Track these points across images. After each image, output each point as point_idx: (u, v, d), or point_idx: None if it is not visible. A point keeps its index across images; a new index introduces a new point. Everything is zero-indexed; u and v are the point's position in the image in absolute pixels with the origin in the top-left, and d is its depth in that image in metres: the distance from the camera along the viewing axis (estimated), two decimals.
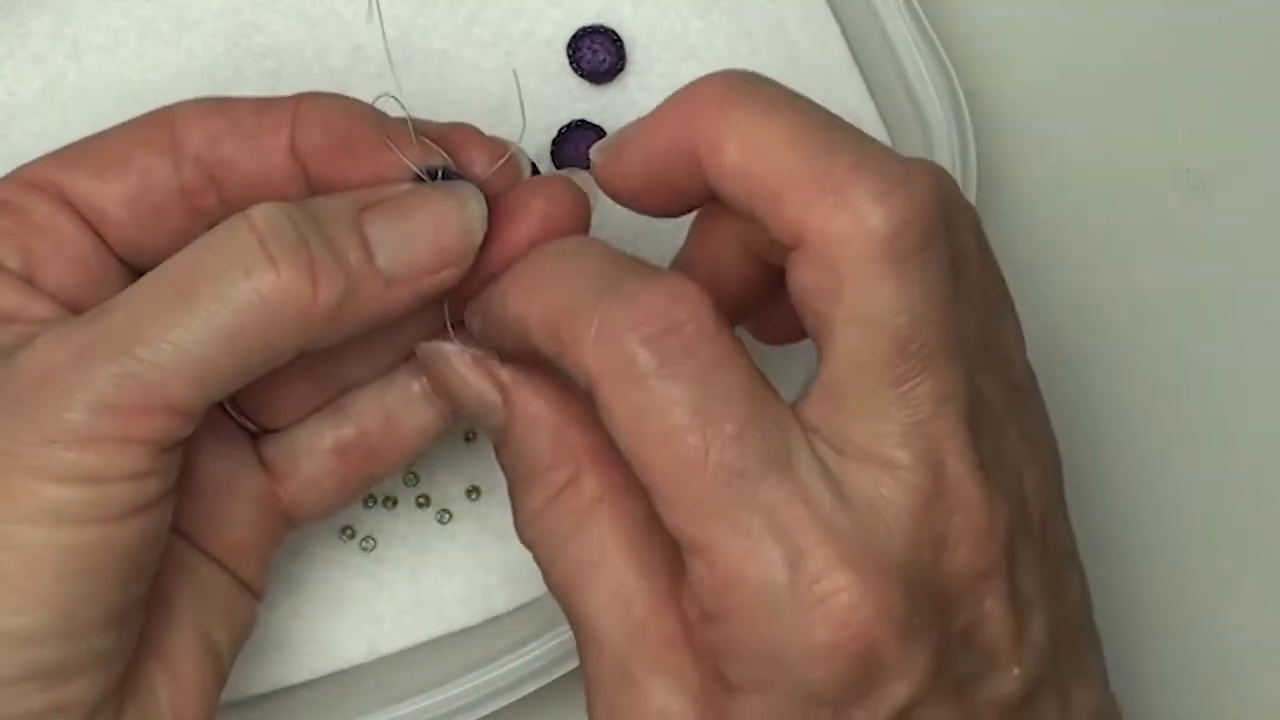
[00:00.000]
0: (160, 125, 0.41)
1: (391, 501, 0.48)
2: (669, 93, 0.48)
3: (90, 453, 0.36)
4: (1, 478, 0.36)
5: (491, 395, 0.40)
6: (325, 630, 0.48)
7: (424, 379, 0.43)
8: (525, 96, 0.49)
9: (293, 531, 0.45)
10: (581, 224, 0.41)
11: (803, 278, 0.36)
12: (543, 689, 0.46)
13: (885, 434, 0.35)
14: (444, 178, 0.40)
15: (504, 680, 0.45)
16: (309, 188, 0.41)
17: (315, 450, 0.44)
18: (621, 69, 0.49)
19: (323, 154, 0.41)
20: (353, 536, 0.48)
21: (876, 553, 0.35)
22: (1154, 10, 0.53)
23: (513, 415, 0.40)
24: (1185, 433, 0.52)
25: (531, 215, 0.41)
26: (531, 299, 0.38)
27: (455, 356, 0.41)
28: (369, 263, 0.38)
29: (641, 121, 0.40)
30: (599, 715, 0.38)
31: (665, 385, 0.35)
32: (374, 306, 0.39)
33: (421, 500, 0.48)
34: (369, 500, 0.48)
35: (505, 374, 0.40)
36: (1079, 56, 0.52)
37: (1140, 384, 0.52)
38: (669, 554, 0.37)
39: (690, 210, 0.40)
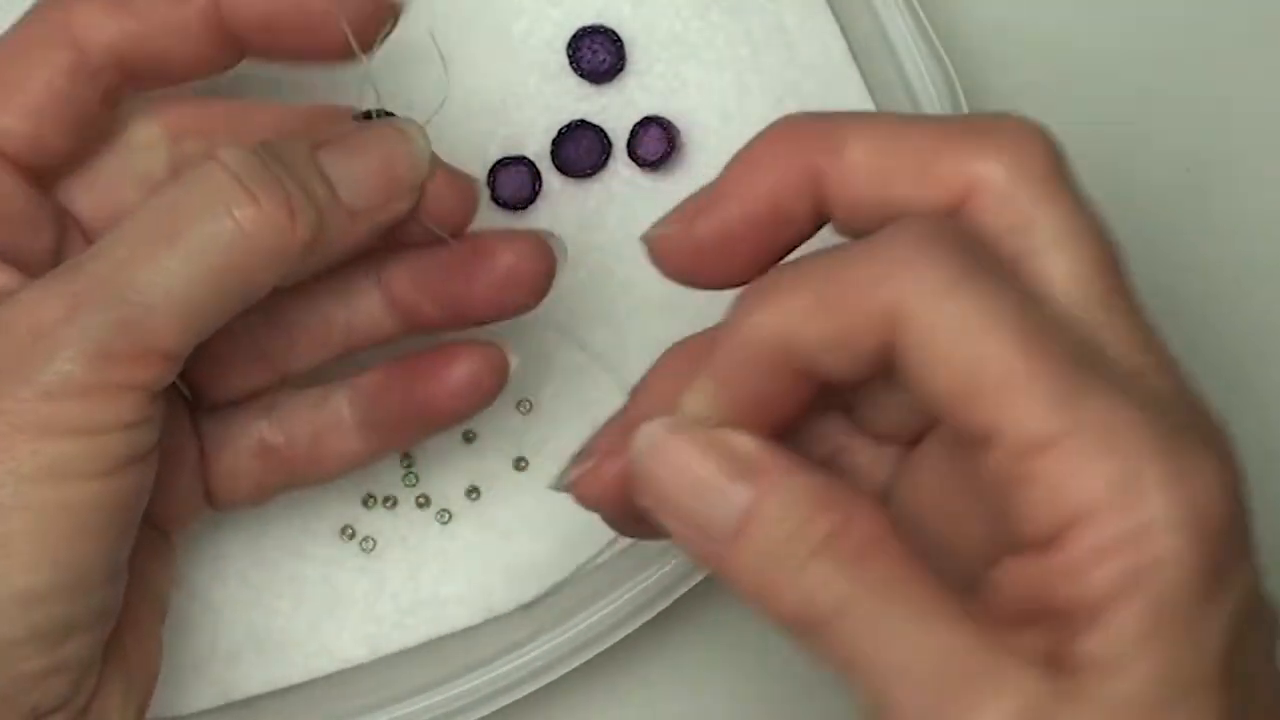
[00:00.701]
0: (61, 37, 0.40)
1: (391, 501, 0.48)
2: (669, 93, 0.49)
3: (90, 403, 0.37)
4: (3, 439, 0.37)
5: (727, 486, 0.34)
6: (325, 630, 0.48)
7: (356, 405, 0.44)
8: (525, 96, 0.49)
9: (208, 516, 0.45)
10: (546, 282, 0.43)
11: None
12: (542, 689, 0.46)
13: None
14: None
15: (504, 680, 0.45)
16: (226, 62, 0.42)
17: (241, 444, 0.44)
18: (621, 69, 0.49)
19: (258, 28, 0.41)
20: (353, 537, 0.48)
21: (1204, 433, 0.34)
22: (1154, 11, 0.53)
23: (766, 491, 0.34)
24: None
25: (496, 269, 0.42)
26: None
27: (681, 441, 0.35)
28: (334, 196, 0.40)
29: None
30: None
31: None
32: (342, 238, 0.40)
33: (421, 500, 0.48)
34: (369, 500, 0.48)
35: (748, 444, 0.34)
36: (1078, 56, 0.52)
37: None
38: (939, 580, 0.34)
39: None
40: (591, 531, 0.48)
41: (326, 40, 0.41)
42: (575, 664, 0.46)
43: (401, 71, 0.48)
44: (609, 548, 0.48)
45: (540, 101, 0.49)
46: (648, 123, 0.49)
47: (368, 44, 0.41)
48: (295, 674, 0.47)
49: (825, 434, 0.39)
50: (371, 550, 0.48)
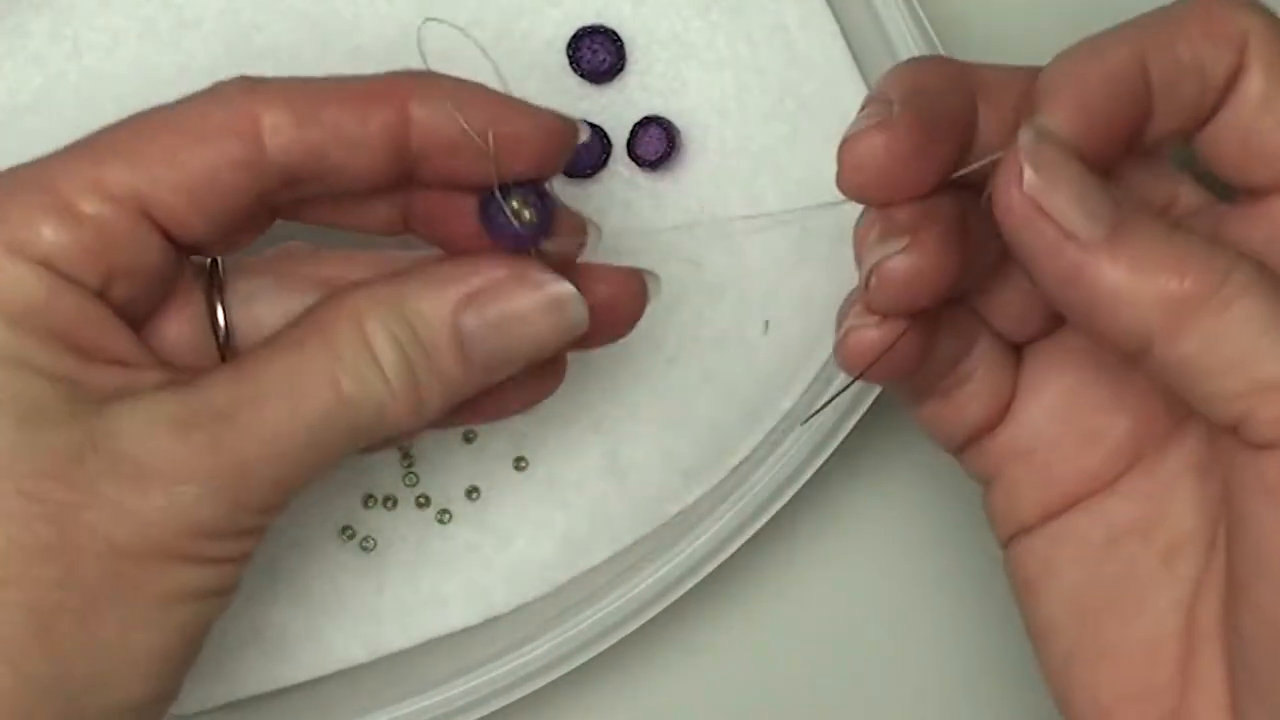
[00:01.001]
0: (242, 137, 0.38)
1: (391, 501, 0.48)
2: (669, 93, 0.49)
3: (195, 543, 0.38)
4: (134, 561, 0.37)
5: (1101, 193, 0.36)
6: (325, 630, 0.48)
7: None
8: (526, 95, 0.49)
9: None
10: (636, 318, 0.43)
11: None
12: (541, 689, 0.46)
13: None
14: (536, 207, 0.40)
15: (504, 680, 0.45)
16: (390, 184, 0.40)
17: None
18: (621, 69, 0.49)
19: (444, 150, 0.40)
20: (352, 537, 0.48)
21: None
22: None
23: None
24: None
25: (594, 298, 0.41)
26: None
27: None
28: (467, 370, 0.39)
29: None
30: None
31: None
32: (461, 397, 0.40)
33: (421, 500, 0.48)
34: (369, 500, 0.48)
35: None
36: None
37: None
38: None
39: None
40: (592, 533, 0.48)
41: (510, 164, 0.40)
42: (574, 665, 0.46)
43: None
44: (609, 548, 0.48)
45: (540, 101, 0.48)
46: (647, 122, 0.49)
47: (554, 169, 0.41)
48: (296, 674, 0.47)
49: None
50: (372, 550, 0.48)
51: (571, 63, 0.49)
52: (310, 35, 0.49)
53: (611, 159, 0.49)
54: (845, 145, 0.38)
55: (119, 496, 0.36)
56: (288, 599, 0.48)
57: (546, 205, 0.40)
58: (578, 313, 0.40)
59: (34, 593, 0.36)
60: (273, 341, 0.39)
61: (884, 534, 0.51)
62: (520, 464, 0.48)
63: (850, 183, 0.38)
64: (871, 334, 0.38)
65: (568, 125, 0.41)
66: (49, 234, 0.37)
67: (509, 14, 0.49)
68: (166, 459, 0.37)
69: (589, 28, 0.49)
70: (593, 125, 0.48)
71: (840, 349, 0.39)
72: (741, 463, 0.48)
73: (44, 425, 0.36)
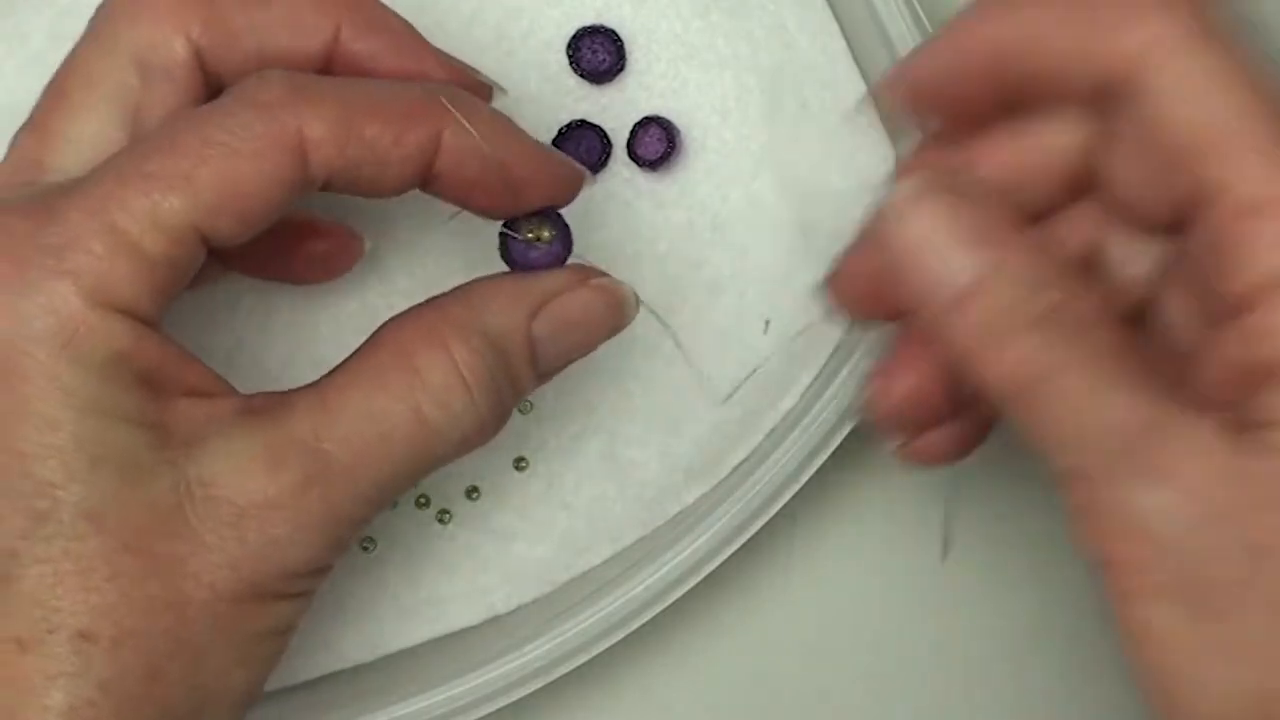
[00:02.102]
0: (291, 156, 0.38)
1: (391, 502, 0.48)
2: (669, 93, 0.49)
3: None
4: (233, 604, 0.38)
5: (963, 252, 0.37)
6: (326, 630, 0.48)
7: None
8: (525, 96, 0.49)
9: None
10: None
11: None
12: (543, 688, 0.46)
13: None
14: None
15: (504, 680, 0.45)
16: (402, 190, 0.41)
17: None
18: (621, 69, 0.49)
19: (464, 184, 0.40)
20: None
21: None
22: None
23: (998, 262, 0.36)
24: None
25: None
26: None
27: (928, 204, 0.37)
28: (536, 376, 0.41)
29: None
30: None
31: None
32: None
33: (421, 500, 0.48)
34: None
35: (990, 214, 0.37)
36: None
37: None
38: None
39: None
40: (592, 533, 0.48)
41: (520, 202, 0.41)
42: (575, 664, 0.46)
43: None
44: (609, 548, 0.48)
45: (540, 101, 0.49)
46: (648, 122, 0.49)
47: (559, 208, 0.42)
48: (297, 674, 0.47)
49: (1081, 225, 0.40)
50: (372, 551, 0.48)
51: (571, 63, 0.49)
52: None
53: (611, 159, 0.49)
54: (870, 391, 0.41)
55: (219, 543, 0.37)
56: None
57: (560, 220, 0.42)
58: (632, 307, 0.42)
59: (148, 645, 0.36)
60: (351, 368, 0.39)
61: (884, 534, 0.51)
62: (520, 464, 0.48)
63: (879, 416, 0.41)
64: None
65: (578, 175, 0.42)
66: (126, 283, 0.37)
67: (509, 14, 0.49)
68: (260, 500, 0.37)
69: (589, 28, 0.49)
70: (593, 125, 0.48)
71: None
72: (742, 462, 0.48)
73: (143, 478, 0.37)
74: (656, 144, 0.48)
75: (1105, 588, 0.35)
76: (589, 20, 0.49)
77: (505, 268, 0.42)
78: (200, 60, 0.40)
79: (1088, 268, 0.40)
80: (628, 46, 0.49)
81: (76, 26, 0.47)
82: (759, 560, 0.50)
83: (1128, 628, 0.35)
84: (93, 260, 0.36)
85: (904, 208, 0.36)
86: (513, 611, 0.48)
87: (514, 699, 0.45)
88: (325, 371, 0.40)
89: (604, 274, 0.42)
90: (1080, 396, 0.35)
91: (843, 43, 0.49)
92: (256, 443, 0.38)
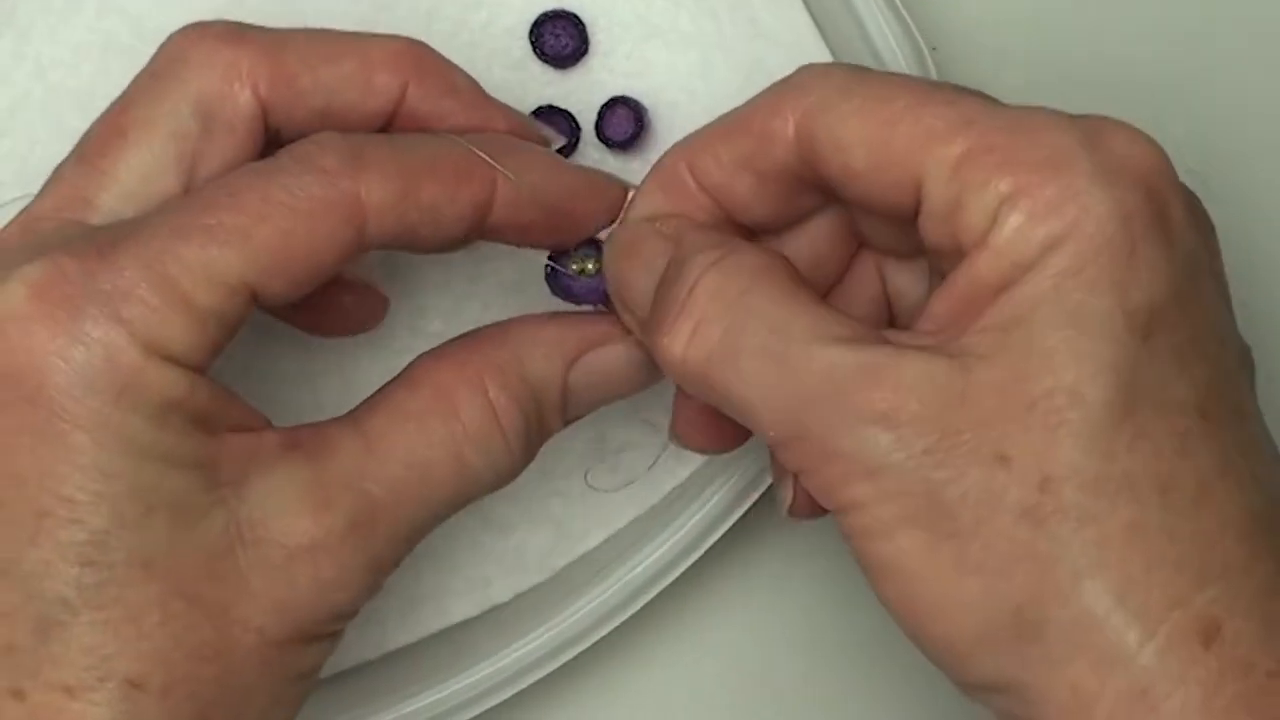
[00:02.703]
0: (349, 222, 0.38)
1: None
2: (634, 73, 0.49)
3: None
4: (279, 647, 0.38)
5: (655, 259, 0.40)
6: None
7: None
8: (490, 86, 0.49)
9: None
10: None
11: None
12: (548, 676, 0.46)
13: None
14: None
15: (508, 671, 0.46)
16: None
17: None
18: (585, 52, 0.49)
19: (528, 232, 0.41)
20: None
21: None
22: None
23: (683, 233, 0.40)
24: None
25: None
26: None
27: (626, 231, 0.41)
28: (564, 422, 0.42)
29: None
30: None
31: None
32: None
33: None
34: None
35: (675, 224, 0.40)
36: (1055, 29, 0.52)
37: None
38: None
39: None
40: (586, 517, 0.48)
41: (576, 234, 0.42)
42: (578, 650, 0.46)
43: None
44: (604, 531, 0.48)
45: (506, 90, 0.49)
46: (615, 103, 0.49)
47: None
48: None
49: (866, 270, 0.42)
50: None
51: (535, 49, 0.49)
52: None
53: (581, 142, 0.49)
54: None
55: (267, 587, 0.37)
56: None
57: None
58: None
59: (196, 691, 0.36)
60: (392, 406, 0.39)
61: None
62: None
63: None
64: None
65: (622, 189, 0.42)
66: (179, 335, 0.36)
67: (468, 5, 0.49)
68: (308, 542, 0.37)
69: (550, 13, 0.49)
70: (561, 110, 0.48)
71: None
72: None
73: (194, 522, 0.36)
74: (625, 124, 0.48)
75: (842, 531, 0.36)
76: (549, 5, 0.49)
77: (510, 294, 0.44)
78: (264, 114, 0.40)
79: (884, 307, 0.42)
80: (590, 29, 0.49)
81: (38, 45, 0.48)
82: (757, 534, 0.50)
83: (872, 563, 0.36)
84: (147, 311, 0.36)
85: (614, 245, 0.41)
86: (513, 600, 0.48)
87: (519, 688, 0.46)
88: (320, 399, 0.40)
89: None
90: (771, 360, 0.36)
91: (807, 15, 0.49)
92: (302, 482, 0.38)
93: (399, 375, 0.40)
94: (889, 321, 0.42)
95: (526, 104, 0.49)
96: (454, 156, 0.39)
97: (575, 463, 0.48)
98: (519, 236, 0.41)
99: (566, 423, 0.42)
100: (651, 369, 0.41)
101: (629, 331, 0.41)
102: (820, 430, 0.36)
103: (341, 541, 0.38)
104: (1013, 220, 0.35)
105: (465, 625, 0.48)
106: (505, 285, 0.48)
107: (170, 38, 0.40)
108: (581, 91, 0.49)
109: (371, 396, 0.40)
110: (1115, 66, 0.52)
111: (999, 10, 0.52)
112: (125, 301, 0.36)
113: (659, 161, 0.41)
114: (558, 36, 0.49)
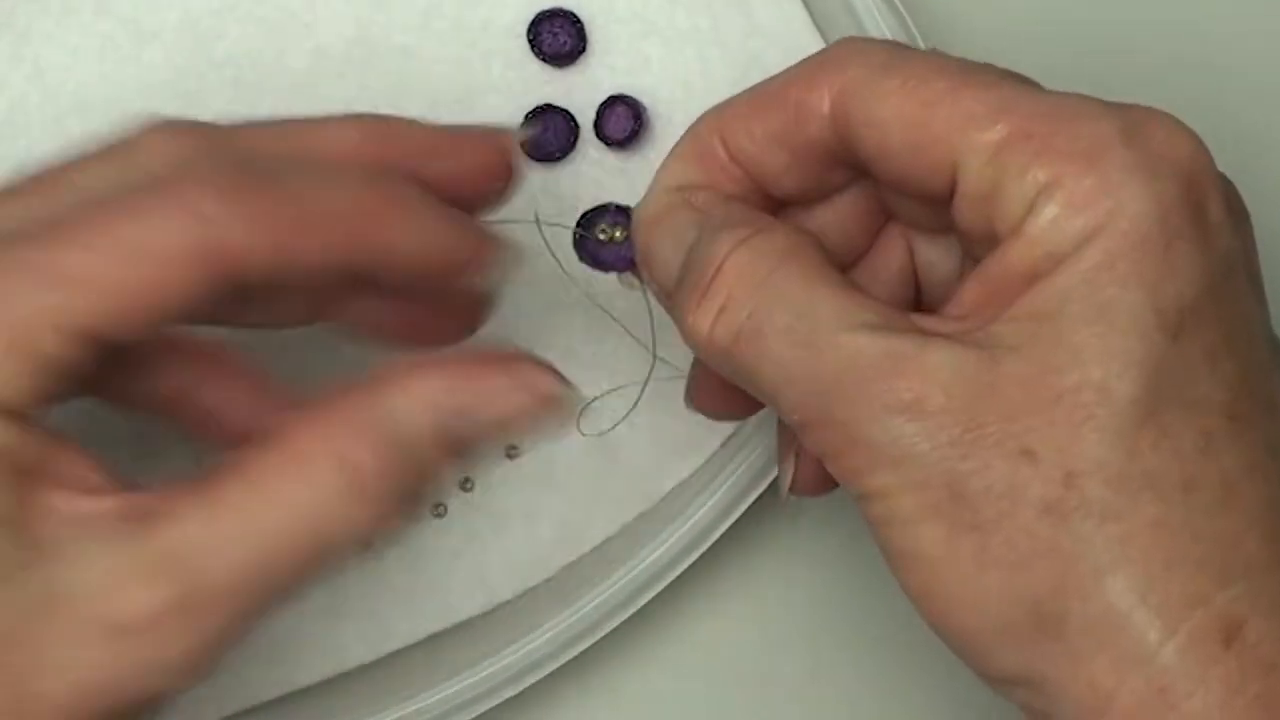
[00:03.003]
0: (212, 270, 0.35)
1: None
2: (632, 71, 0.49)
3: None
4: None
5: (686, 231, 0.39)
6: (330, 631, 0.48)
7: None
8: (489, 85, 0.49)
9: None
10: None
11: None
12: (551, 674, 0.46)
13: None
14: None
15: (512, 669, 0.45)
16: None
17: None
18: (583, 50, 0.49)
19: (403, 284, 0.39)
20: None
21: None
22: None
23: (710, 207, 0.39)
24: None
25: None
26: None
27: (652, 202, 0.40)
28: (445, 467, 0.37)
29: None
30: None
31: None
32: None
33: None
34: None
35: (705, 197, 0.40)
36: (1055, 23, 0.52)
37: None
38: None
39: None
40: (588, 514, 0.48)
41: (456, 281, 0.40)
42: (581, 648, 0.46)
43: (363, 69, 0.48)
44: (606, 528, 0.48)
45: (504, 89, 0.49)
46: (613, 102, 0.49)
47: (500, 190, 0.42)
48: (304, 677, 0.47)
49: (895, 242, 0.41)
50: (370, 548, 0.48)
51: (533, 47, 0.49)
52: (269, 41, 0.48)
53: (580, 141, 0.49)
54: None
55: (75, 665, 0.34)
56: (291, 605, 0.47)
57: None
58: (570, 405, 0.38)
59: None
60: (242, 472, 0.35)
61: None
62: (512, 452, 0.48)
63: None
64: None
65: (487, 243, 0.40)
66: (17, 385, 0.34)
67: (466, 3, 0.49)
68: (127, 620, 0.34)
69: (548, 11, 0.49)
70: (559, 109, 0.48)
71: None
72: (733, 433, 0.48)
73: (3, 583, 0.34)
74: (624, 122, 0.48)
75: (865, 517, 0.36)
76: (547, 4, 0.49)
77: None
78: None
79: (911, 280, 0.41)
80: (588, 27, 0.49)
81: (36, 48, 0.48)
82: (760, 531, 0.50)
83: (894, 552, 0.36)
84: None
85: (641, 218, 0.40)
86: (516, 598, 0.48)
87: (523, 687, 0.46)
88: None
89: (552, 372, 0.38)
90: (798, 344, 0.36)
91: (802, 8, 0.49)
92: (132, 555, 0.34)
93: (260, 437, 0.36)
94: (916, 295, 0.41)
95: (525, 103, 0.49)
96: (343, 211, 0.37)
97: (576, 459, 0.48)
98: (399, 284, 0.39)
99: (461, 463, 0.37)
100: (550, 416, 0.37)
101: (523, 380, 0.37)
102: (844, 417, 0.35)
103: (168, 622, 0.34)
104: (1049, 210, 0.35)
105: (468, 624, 0.48)
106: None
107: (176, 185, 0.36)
108: (580, 90, 0.49)
109: (227, 459, 0.36)
110: (1116, 67, 0.52)
111: (999, 10, 0.52)
112: None
113: (691, 128, 0.40)
114: (555, 35, 0.49)
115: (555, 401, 0.37)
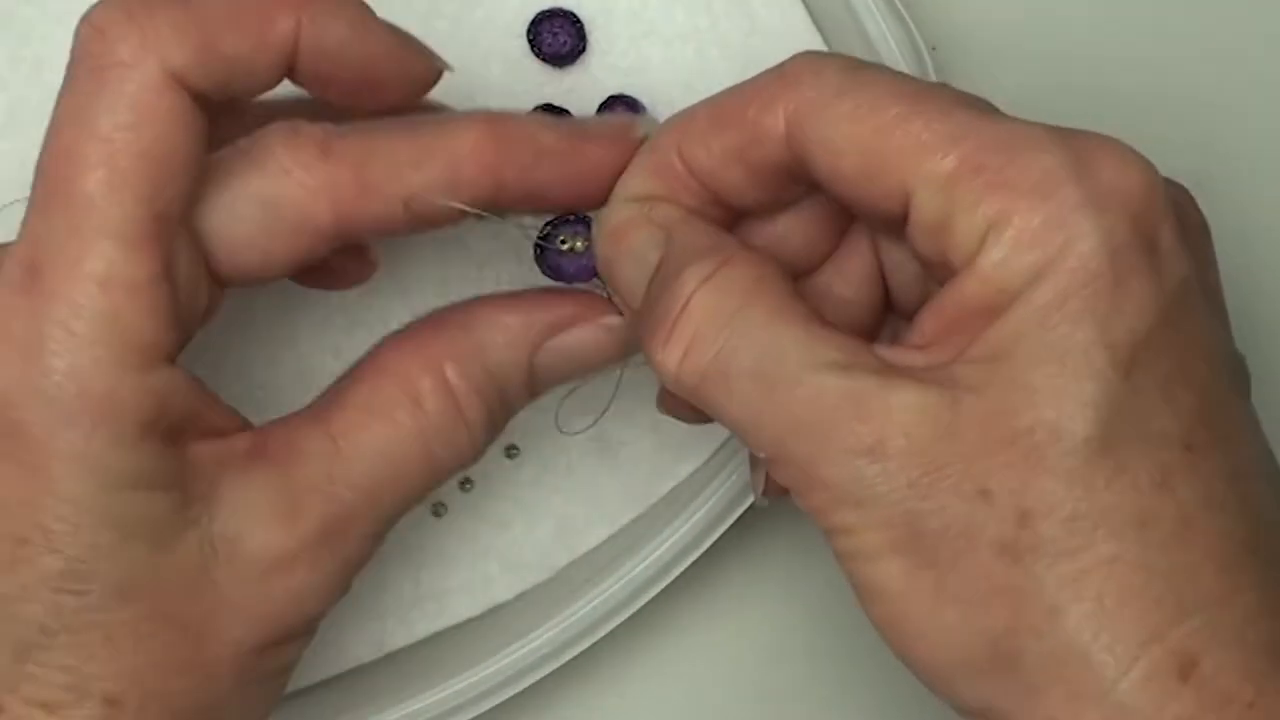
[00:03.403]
0: (168, 93, 0.37)
1: None
2: (632, 70, 0.49)
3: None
4: (257, 652, 0.38)
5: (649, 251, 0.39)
6: (332, 631, 0.48)
7: None
8: (489, 85, 0.49)
9: None
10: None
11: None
12: (549, 675, 0.46)
13: None
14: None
15: (510, 670, 0.46)
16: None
17: None
18: (583, 50, 0.49)
19: (329, 85, 0.40)
20: None
21: None
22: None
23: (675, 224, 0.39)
24: None
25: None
26: None
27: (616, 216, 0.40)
28: (529, 400, 0.42)
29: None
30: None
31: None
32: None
33: None
34: None
35: (669, 212, 0.40)
36: (1053, 15, 0.52)
37: None
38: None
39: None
40: (587, 515, 0.48)
41: (378, 98, 0.41)
42: (579, 649, 0.46)
43: None
44: (605, 529, 0.48)
45: (504, 89, 0.49)
46: (613, 101, 0.49)
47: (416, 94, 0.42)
48: (304, 677, 0.48)
49: (860, 244, 0.41)
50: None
51: (532, 47, 0.49)
52: None
53: None
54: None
55: (244, 601, 0.38)
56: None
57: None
58: (628, 337, 0.41)
59: (173, 705, 0.37)
60: (357, 401, 0.39)
61: None
62: (511, 452, 0.48)
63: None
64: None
65: (433, 66, 0.41)
66: (139, 323, 0.36)
67: (466, 3, 0.49)
68: (281, 553, 0.38)
69: (547, 11, 0.49)
70: (559, 109, 0.48)
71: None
72: (732, 435, 0.48)
73: (169, 544, 0.37)
74: None
75: (832, 549, 0.36)
76: (547, 3, 0.49)
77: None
78: (337, 226, 0.39)
79: (878, 281, 0.41)
80: (587, 27, 0.49)
81: (35, 48, 0.48)
82: (758, 532, 0.50)
83: (860, 584, 0.36)
84: (100, 316, 0.35)
85: (606, 232, 0.40)
86: (514, 599, 0.48)
87: (521, 688, 0.46)
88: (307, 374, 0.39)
89: (616, 310, 0.41)
90: (763, 385, 0.36)
91: (801, 7, 0.49)
92: (272, 492, 0.38)
93: (360, 365, 0.40)
94: (886, 292, 0.41)
95: (525, 103, 0.49)
96: (251, 2, 0.38)
97: (575, 460, 0.48)
98: (328, 93, 0.40)
99: (534, 398, 0.42)
100: (620, 350, 0.41)
101: (598, 313, 0.41)
102: (808, 457, 0.36)
103: (315, 550, 0.38)
104: (999, 247, 0.35)
105: (468, 625, 0.48)
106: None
107: (266, 134, 0.39)
108: (580, 90, 0.49)
109: (334, 388, 0.40)
110: (1115, 67, 0.52)
111: (999, 10, 0.52)
112: (77, 318, 0.35)
113: (651, 142, 0.40)
114: (555, 35, 0.49)
115: (623, 335, 0.41)
